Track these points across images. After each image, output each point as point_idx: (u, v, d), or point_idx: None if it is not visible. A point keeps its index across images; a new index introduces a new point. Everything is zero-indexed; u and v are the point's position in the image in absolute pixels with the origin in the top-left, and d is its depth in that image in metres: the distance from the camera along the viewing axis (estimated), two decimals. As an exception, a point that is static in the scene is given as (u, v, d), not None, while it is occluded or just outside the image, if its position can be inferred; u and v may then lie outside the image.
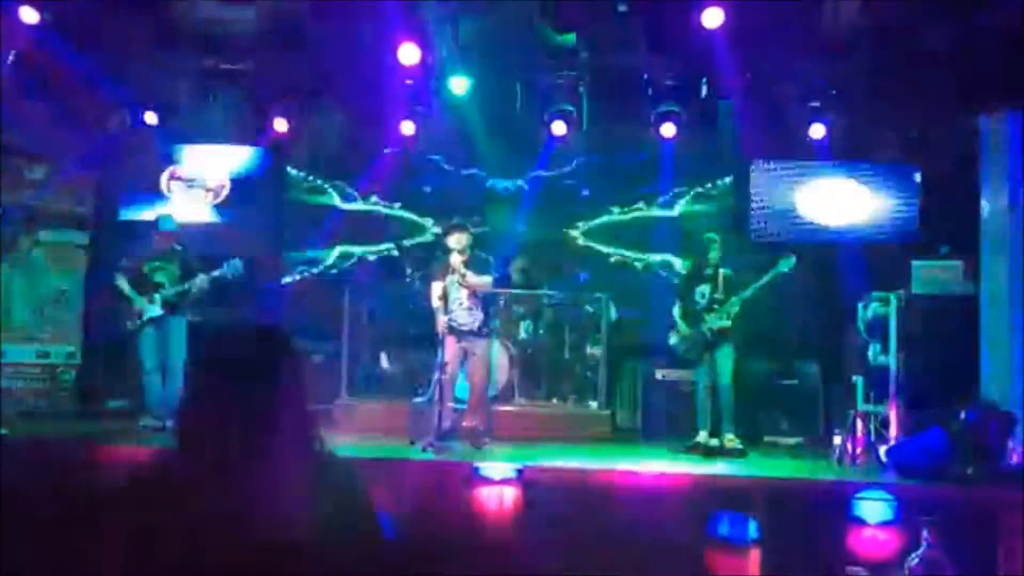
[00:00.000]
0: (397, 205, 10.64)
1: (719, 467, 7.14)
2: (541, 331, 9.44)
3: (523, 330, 9.36)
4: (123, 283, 7.94)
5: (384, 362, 9.36)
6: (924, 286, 7.87)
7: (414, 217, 10.60)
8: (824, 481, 6.73)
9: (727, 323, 7.72)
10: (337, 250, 10.63)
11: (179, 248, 8.19)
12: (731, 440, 7.70)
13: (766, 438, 8.54)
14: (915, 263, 8.15)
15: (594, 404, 9.09)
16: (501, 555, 1.78)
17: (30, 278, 9.58)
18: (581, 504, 5.99)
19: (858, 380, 7.91)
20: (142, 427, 7.69)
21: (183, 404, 1.88)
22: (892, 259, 9.02)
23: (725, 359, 7.76)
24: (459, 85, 9.07)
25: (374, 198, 10.63)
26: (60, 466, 1.78)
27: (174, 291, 7.92)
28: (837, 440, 7.42)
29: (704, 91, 9.11)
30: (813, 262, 9.21)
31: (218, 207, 10.42)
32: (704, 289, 7.88)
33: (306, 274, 10.58)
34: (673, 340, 8.01)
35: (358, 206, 10.64)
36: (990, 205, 8.00)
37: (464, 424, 7.57)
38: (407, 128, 9.67)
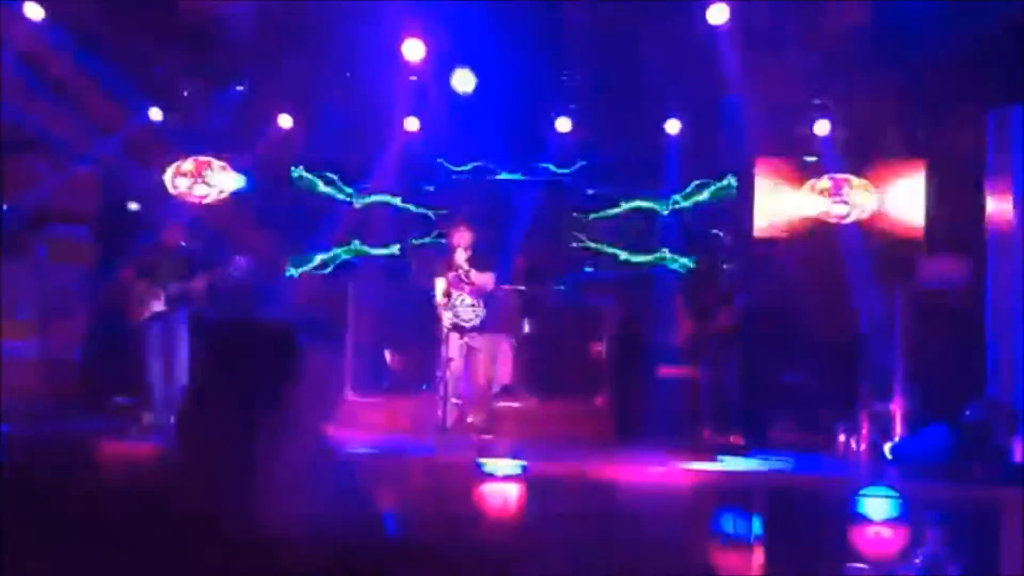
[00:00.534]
0: (401, 202, 10.63)
1: (723, 465, 7.13)
2: (544, 328, 9.42)
3: (526, 327, 9.36)
4: (126, 276, 7.96)
5: (388, 359, 9.36)
6: (929, 282, 7.85)
7: (418, 214, 10.59)
8: (828, 478, 6.73)
9: (733, 320, 7.71)
10: (341, 247, 10.63)
11: (184, 245, 8.19)
12: (735, 438, 7.69)
13: (770, 435, 8.52)
14: (920, 259, 8.13)
15: (598, 401, 9.08)
16: (504, 551, 1.78)
17: (35, 274, 9.59)
18: (584, 501, 5.99)
19: (862, 377, 7.91)
20: (146, 424, 7.70)
21: (187, 400, 1.88)
22: (897, 255, 9.00)
23: (732, 356, 7.75)
24: (463, 82, 9.06)
25: (378, 195, 10.62)
26: (63, 462, 1.79)
27: (179, 288, 7.92)
28: (841, 437, 7.42)
29: (709, 88, 9.09)
30: (817, 259, 9.20)
31: (223, 204, 10.42)
32: (711, 287, 7.88)
33: (310, 271, 10.57)
34: (681, 338, 8.01)
35: (362, 203, 10.63)
36: (996, 201, 7.97)
37: (467, 420, 7.58)
38: (411, 124, 9.66)
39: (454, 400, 7.54)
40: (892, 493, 6.01)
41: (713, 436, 7.80)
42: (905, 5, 7.85)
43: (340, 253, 10.61)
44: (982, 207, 8.04)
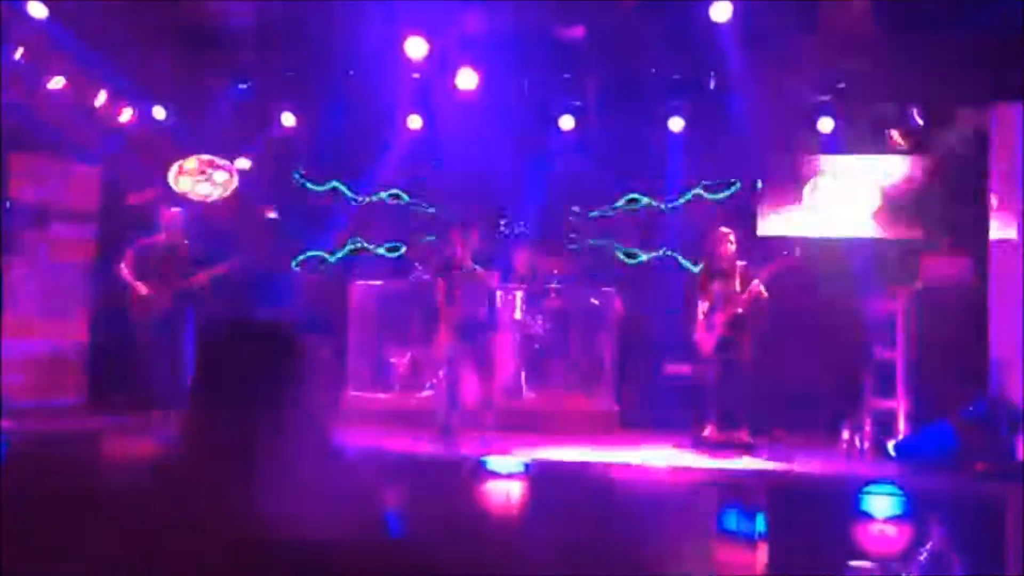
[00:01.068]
0: (403, 200, 10.63)
1: (727, 462, 7.13)
2: (548, 325, 9.42)
3: (529, 325, 9.36)
4: (128, 273, 7.96)
5: (390, 357, 9.36)
6: (932, 281, 7.84)
7: (420, 212, 10.59)
8: (831, 476, 6.73)
9: (743, 316, 7.70)
10: (343, 244, 10.63)
11: (186, 242, 8.20)
12: (741, 435, 7.68)
13: (773, 433, 8.52)
14: (923, 257, 8.12)
15: (602, 398, 9.09)
16: (508, 549, 1.78)
17: (37, 272, 9.60)
18: (587, 499, 5.99)
19: (866, 374, 7.91)
20: (149, 422, 7.71)
21: (191, 397, 1.88)
22: (900, 253, 8.99)
23: (742, 355, 7.74)
24: (466, 79, 9.06)
25: (380, 192, 10.62)
26: (65, 461, 1.78)
27: (181, 285, 7.93)
28: (845, 434, 7.41)
29: (712, 85, 9.09)
30: (820, 256, 9.19)
31: (225, 201, 10.42)
32: (720, 284, 7.87)
33: (312, 268, 10.58)
34: (696, 336, 7.99)
35: (364, 200, 10.63)
36: (998, 199, 7.96)
37: (470, 419, 7.58)
38: (414, 123, 9.66)
39: (457, 398, 7.54)
40: (896, 490, 6.00)
41: (718, 434, 7.80)
42: (906, 4, 7.84)
43: (342, 252, 10.62)
44: (985, 206, 8.03)
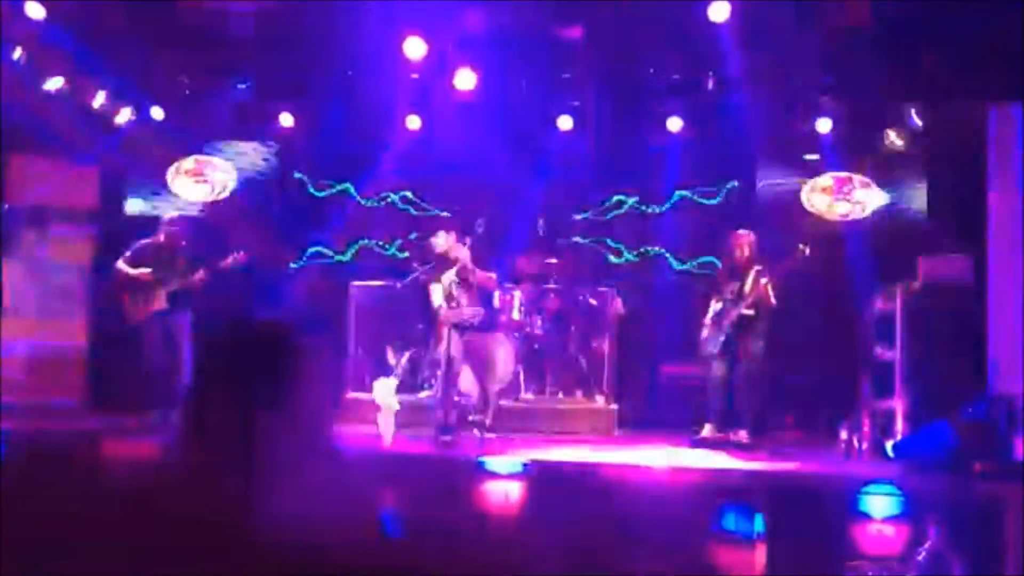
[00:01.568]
0: (402, 200, 10.63)
1: (725, 461, 7.14)
2: (547, 325, 9.43)
3: (529, 325, 9.36)
4: (127, 274, 7.96)
5: (390, 357, 9.36)
6: (931, 279, 7.85)
7: (419, 212, 10.59)
8: (830, 476, 6.73)
9: (751, 313, 7.71)
10: (342, 245, 10.63)
11: (184, 243, 8.20)
12: (739, 435, 7.69)
13: (772, 432, 8.53)
14: (921, 256, 8.12)
15: (600, 398, 9.09)
16: (507, 549, 1.78)
17: (36, 272, 9.59)
18: (587, 499, 5.99)
19: (864, 374, 7.91)
20: (148, 422, 7.71)
21: (189, 398, 1.88)
22: (898, 252, 9.00)
23: (746, 355, 7.74)
24: (465, 80, 9.06)
25: (379, 193, 10.62)
26: (64, 461, 1.79)
27: (179, 284, 7.93)
28: (843, 434, 7.42)
29: (711, 86, 9.09)
30: (819, 256, 9.19)
31: (224, 202, 10.43)
32: (733, 285, 7.89)
33: (311, 269, 10.57)
34: (704, 335, 8.02)
35: (363, 201, 10.63)
36: (998, 197, 7.96)
37: (469, 418, 7.59)
38: (412, 123, 9.66)
39: (456, 399, 7.54)
40: (894, 491, 6.01)
41: (716, 434, 7.80)
42: (907, 3, 7.84)
43: (341, 250, 10.62)
44: (984, 204, 8.03)
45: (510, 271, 9.26)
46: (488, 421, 7.58)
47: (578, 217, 10.51)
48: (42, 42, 8.27)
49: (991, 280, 7.81)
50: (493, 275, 7.65)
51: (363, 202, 10.63)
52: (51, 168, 9.63)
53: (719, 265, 8.60)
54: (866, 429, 7.47)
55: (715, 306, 8.00)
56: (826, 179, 9.76)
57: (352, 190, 10.60)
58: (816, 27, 8.25)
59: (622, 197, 10.41)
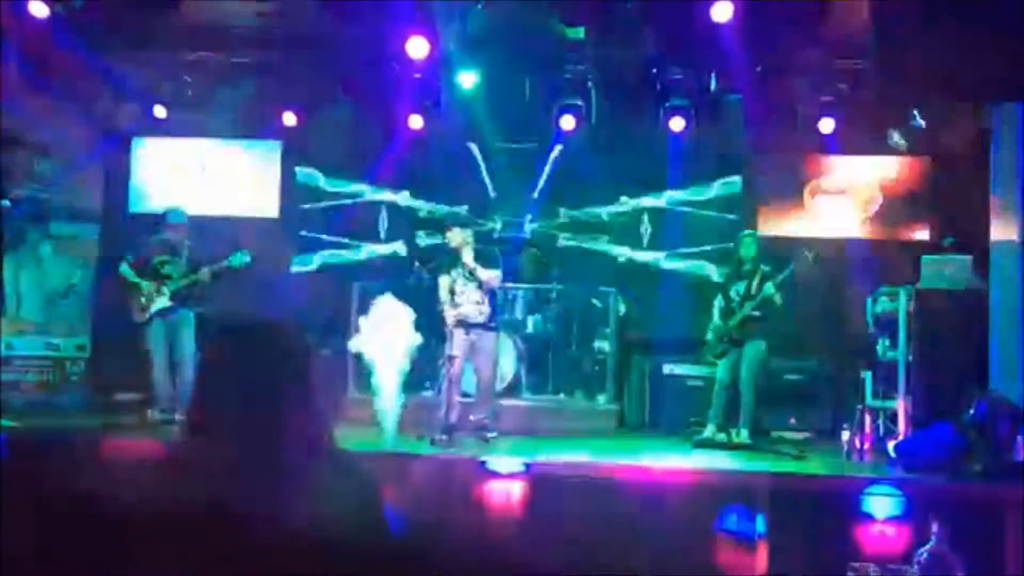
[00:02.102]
0: (405, 199, 10.63)
1: (727, 462, 7.13)
2: (549, 325, 9.42)
3: (531, 324, 9.36)
4: (129, 273, 7.97)
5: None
6: (933, 280, 7.84)
7: (422, 211, 10.59)
8: (832, 476, 6.72)
9: (755, 314, 7.72)
10: (345, 244, 10.63)
11: (187, 241, 8.20)
12: (741, 436, 7.68)
13: (774, 433, 8.52)
14: (924, 257, 8.12)
15: (601, 398, 9.09)
16: (508, 549, 1.78)
17: (40, 271, 9.60)
18: (588, 499, 5.99)
19: (866, 375, 7.91)
20: (151, 420, 7.72)
21: (192, 397, 1.88)
22: (901, 253, 8.99)
23: (750, 356, 7.74)
24: (467, 79, 9.06)
25: (382, 191, 10.62)
26: (66, 459, 1.79)
27: (182, 283, 7.94)
28: (845, 435, 7.41)
29: (713, 85, 9.08)
30: (822, 257, 9.18)
31: (227, 200, 10.43)
32: (739, 286, 7.90)
33: (314, 268, 10.58)
34: (708, 336, 8.04)
35: (365, 200, 10.63)
36: (1001, 198, 7.95)
37: (471, 418, 7.58)
38: (415, 122, 9.66)
39: (458, 398, 7.54)
40: (896, 491, 6.00)
41: (717, 433, 7.80)
42: (907, 3, 7.83)
43: (343, 249, 10.61)
44: (986, 205, 8.02)
45: (512, 270, 9.26)
46: (490, 420, 7.58)
47: (579, 216, 10.50)
48: (46, 40, 8.27)
49: (993, 280, 7.80)
50: (496, 273, 7.64)
51: (364, 201, 10.63)
52: (53, 167, 9.64)
53: (722, 265, 8.59)
54: (868, 430, 7.47)
55: (720, 307, 8.01)
56: (829, 179, 9.76)
57: (354, 189, 10.59)
58: (820, 25, 8.24)
59: (623, 196, 10.40)
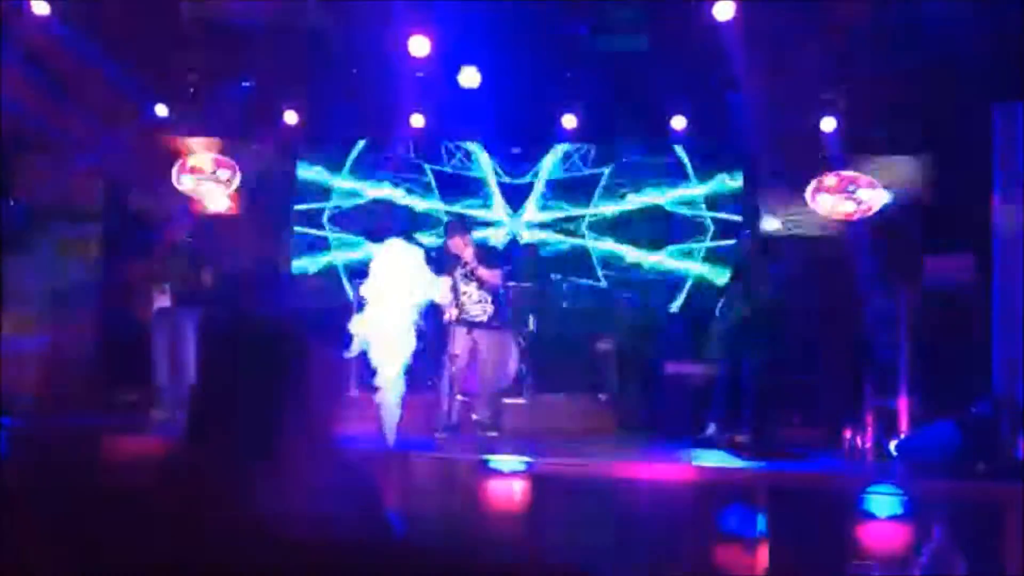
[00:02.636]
0: (407, 197, 10.64)
1: (727, 462, 7.13)
2: (551, 324, 9.42)
3: (533, 323, 9.35)
4: (131, 272, 7.98)
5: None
6: (934, 279, 7.84)
7: (424, 209, 10.60)
8: (833, 476, 6.72)
9: (756, 314, 7.72)
10: (346, 243, 10.63)
11: (190, 240, 8.21)
12: (742, 435, 7.67)
13: (775, 433, 8.50)
14: (926, 256, 8.13)
15: (603, 397, 9.09)
16: (510, 548, 1.78)
17: (42, 270, 9.60)
18: (590, 498, 5.99)
19: (868, 374, 7.90)
20: (153, 420, 7.72)
21: (194, 396, 1.88)
22: (902, 252, 8.98)
23: (751, 355, 7.74)
24: (469, 78, 9.06)
25: (383, 190, 10.63)
26: (68, 458, 1.79)
27: (185, 283, 7.94)
28: (846, 434, 7.41)
29: (715, 84, 9.09)
30: (822, 255, 9.18)
31: (229, 199, 10.43)
32: (740, 285, 7.90)
33: (316, 266, 10.59)
34: (709, 335, 8.04)
35: (367, 198, 10.64)
36: (1002, 197, 7.95)
37: (473, 417, 7.58)
38: (417, 121, 9.66)
39: (459, 397, 7.54)
40: (897, 491, 6.00)
41: (719, 433, 7.79)
42: (908, 2, 7.83)
43: (345, 248, 10.62)
44: (988, 204, 8.02)
45: (513, 269, 9.26)
46: (491, 419, 7.58)
47: (581, 215, 10.50)
48: (47, 39, 8.27)
49: (995, 279, 7.80)
50: (497, 271, 7.64)
51: (367, 198, 10.63)
52: (54, 167, 9.64)
53: (723, 264, 8.59)
54: (869, 429, 7.46)
55: (719, 305, 8.01)
56: (831, 178, 9.75)
57: (356, 186, 10.60)
58: (821, 24, 8.24)
59: (627, 194, 10.40)
